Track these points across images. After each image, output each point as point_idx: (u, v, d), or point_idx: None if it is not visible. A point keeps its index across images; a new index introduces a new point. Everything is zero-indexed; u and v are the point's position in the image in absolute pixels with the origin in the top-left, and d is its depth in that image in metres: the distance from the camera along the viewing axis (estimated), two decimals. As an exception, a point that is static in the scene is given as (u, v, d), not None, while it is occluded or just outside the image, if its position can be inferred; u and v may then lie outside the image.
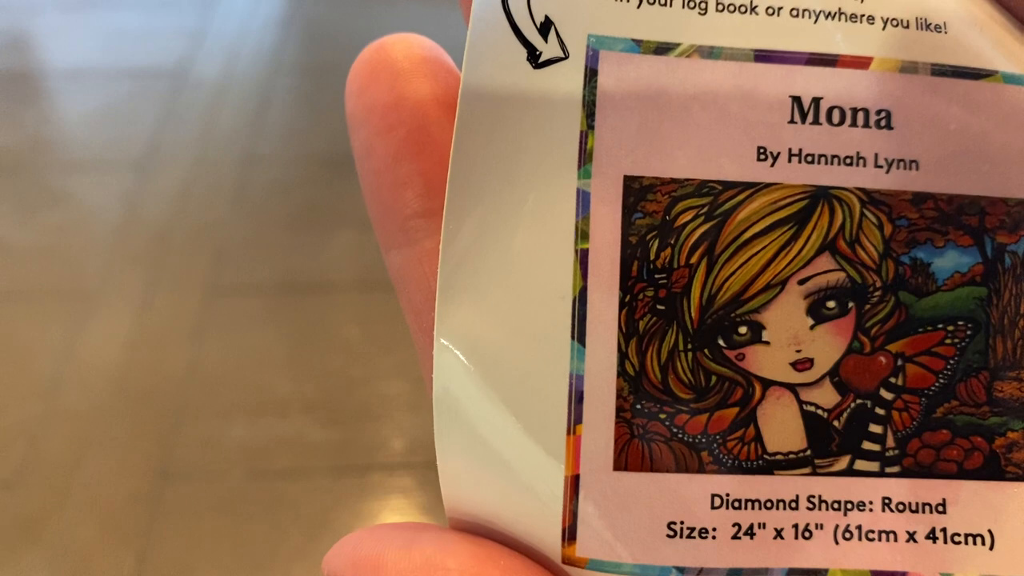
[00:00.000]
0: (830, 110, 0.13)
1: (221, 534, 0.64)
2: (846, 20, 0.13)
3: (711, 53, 0.13)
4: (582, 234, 0.13)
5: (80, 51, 1.07)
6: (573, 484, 0.13)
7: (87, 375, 0.74)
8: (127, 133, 0.97)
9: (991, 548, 0.13)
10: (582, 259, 0.13)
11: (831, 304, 0.13)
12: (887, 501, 0.13)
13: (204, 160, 0.93)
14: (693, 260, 0.13)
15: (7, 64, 1.05)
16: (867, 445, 0.13)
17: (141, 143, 0.96)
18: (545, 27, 0.13)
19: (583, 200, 0.13)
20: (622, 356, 0.13)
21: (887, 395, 0.13)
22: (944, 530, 0.13)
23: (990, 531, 0.13)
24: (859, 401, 0.13)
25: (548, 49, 0.13)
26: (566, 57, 0.13)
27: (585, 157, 0.13)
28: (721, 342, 0.13)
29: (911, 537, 0.13)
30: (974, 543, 0.13)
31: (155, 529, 0.66)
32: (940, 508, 0.13)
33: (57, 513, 0.66)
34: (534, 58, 0.13)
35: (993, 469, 0.13)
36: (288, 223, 0.85)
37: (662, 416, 0.13)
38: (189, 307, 0.80)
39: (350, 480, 0.64)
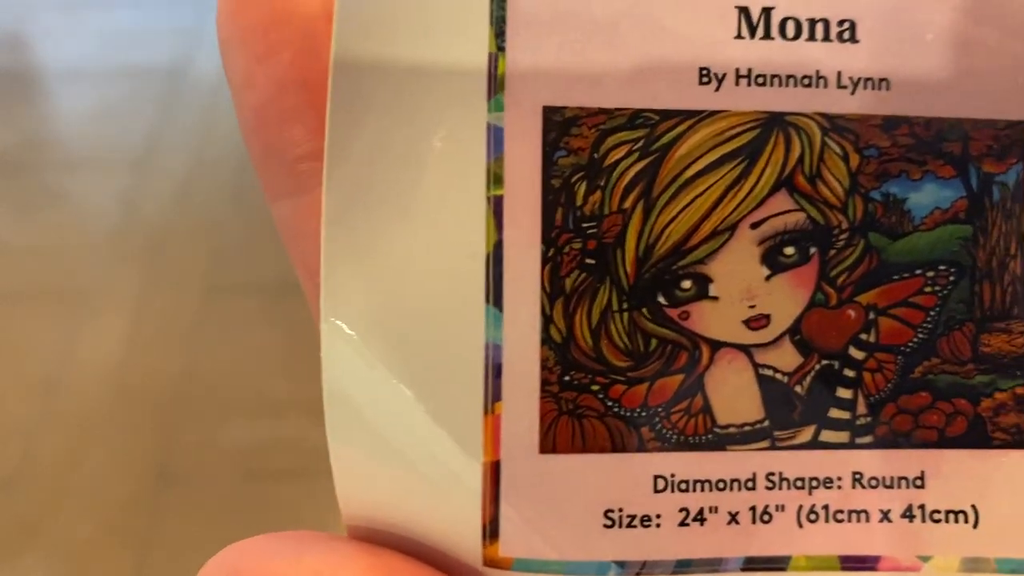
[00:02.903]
0: (783, 22, 0.11)
1: (219, 535, 0.63)
2: None
3: None
4: (495, 178, 0.11)
5: (77, 50, 1.07)
6: (493, 472, 0.11)
7: (84, 375, 0.74)
8: (124, 132, 0.97)
9: (975, 526, 0.11)
10: (496, 208, 0.11)
11: (789, 250, 0.11)
12: (858, 476, 0.11)
13: (202, 159, 0.92)
14: (627, 205, 0.11)
15: (4, 63, 1.04)
16: (834, 413, 0.12)
17: (139, 142, 0.95)
18: None
19: (495, 137, 0.11)
20: (546, 320, 0.11)
21: (857, 354, 0.12)
22: (922, 507, 0.11)
23: (974, 507, 0.11)
24: (825, 362, 0.12)
25: None
26: None
27: (496, 85, 0.11)
28: (661, 299, 0.11)
29: (885, 516, 0.11)
30: (956, 520, 0.11)
31: (153, 530, 0.66)
32: (918, 482, 0.11)
33: (55, 514, 0.66)
34: None
35: (978, 435, 0.12)
36: (288, 222, 0.84)
37: (595, 388, 0.11)
38: (187, 307, 0.79)
39: (349, 480, 0.62)
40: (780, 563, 0.11)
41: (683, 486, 0.11)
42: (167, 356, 0.75)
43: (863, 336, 0.12)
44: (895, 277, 0.12)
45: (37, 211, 0.89)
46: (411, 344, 0.11)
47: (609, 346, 0.11)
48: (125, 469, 0.68)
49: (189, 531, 0.65)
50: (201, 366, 0.74)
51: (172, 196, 0.88)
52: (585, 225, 0.11)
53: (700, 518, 0.11)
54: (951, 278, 0.12)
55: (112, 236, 0.86)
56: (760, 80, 0.11)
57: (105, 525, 0.65)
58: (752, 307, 0.11)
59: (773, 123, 0.11)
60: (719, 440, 0.11)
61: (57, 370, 0.74)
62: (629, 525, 0.11)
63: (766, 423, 0.11)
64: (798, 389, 0.12)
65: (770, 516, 0.11)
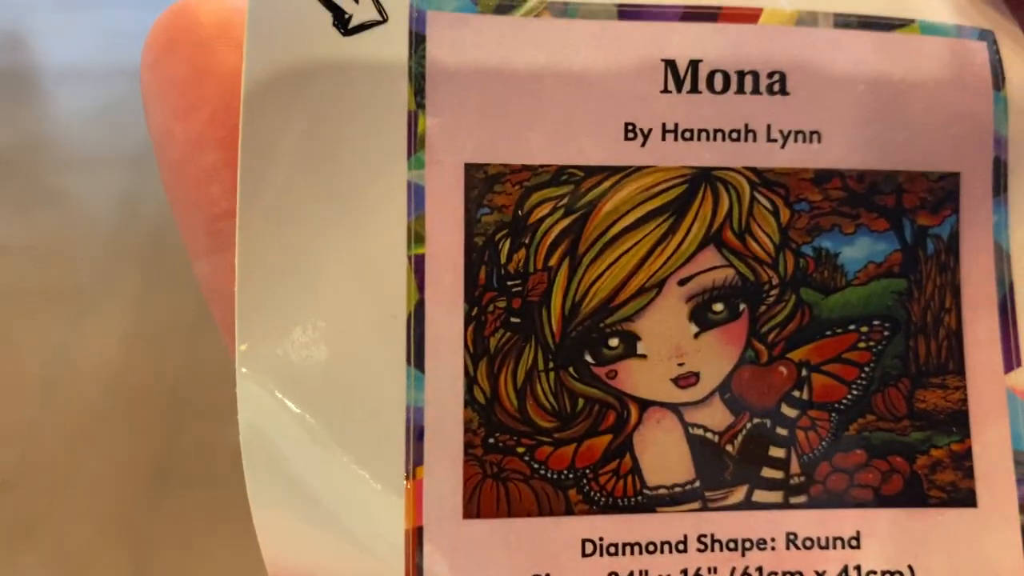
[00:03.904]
0: (711, 75, 0.11)
1: (219, 536, 0.64)
2: None
3: (565, 11, 0.11)
4: (416, 237, 0.11)
5: (77, 49, 1.07)
6: (416, 538, 0.11)
7: (84, 375, 0.74)
8: (124, 131, 0.96)
9: None
10: (417, 267, 0.11)
11: (718, 307, 0.11)
12: (792, 537, 0.11)
13: (202, 157, 0.92)
14: (552, 262, 0.11)
15: (3, 62, 1.04)
16: (767, 472, 0.11)
17: (138, 141, 0.95)
18: None
19: (415, 195, 0.11)
20: (470, 381, 0.11)
21: (790, 412, 0.11)
22: (859, 568, 0.11)
23: (911, 567, 0.11)
24: (756, 420, 0.11)
25: (360, 10, 0.11)
26: (384, 20, 0.11)
27: (416, 143, 0.11)
28: (588, 358, 0.11)
29: None
30: None
31: (153, 531, 0.66)
32: (854, 542, 0.11)
33: (54, 515, 0.66)
34: (342, 23, 0.11)
35: (915, 494, 0.11)
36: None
37: (520, 450, 0.11)
38: (186, 306, 0.79)
39: (349, 479, 0.62)
40: None
41: (612, 550, 0.11)
42: (167, 355, 0.75)
43: (796, 393, 0.11)
44: (828, 333, 0.11)
45: (36, 211, 0.89)
46: (330, 407, 0.11)
47: (535, 407, 0.11)
48: (125, 469, 0.68)
49: (189, 531, 0.65)
50: (201, 366, 0.74)
51: (171, 195, 0.88)
52: (510, 283, 0.11)
53: None
54: (886, 333, 0.11)
55: (111, 235, 0.86)
56: (687, 135, 0.11)
57: (104, 525, 0.65)
58: (681, 365, 0.11)
59: (701, 178, 0.11)
60: (649, 502, 0.11)
61: (56, 370, 0.74)
62: None
63: (697, 484, 0.11)
64: (729, 448, 0.11)
65: None
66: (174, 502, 0.66)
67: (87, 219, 0.87)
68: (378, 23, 0.11)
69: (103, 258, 0.83)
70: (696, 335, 0.11)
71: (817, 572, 0.11)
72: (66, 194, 0.90)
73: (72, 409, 0.71)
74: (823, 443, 0.11)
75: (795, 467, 0.11)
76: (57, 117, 1.00)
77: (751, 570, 0.11)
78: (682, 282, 0.11)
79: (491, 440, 0.11)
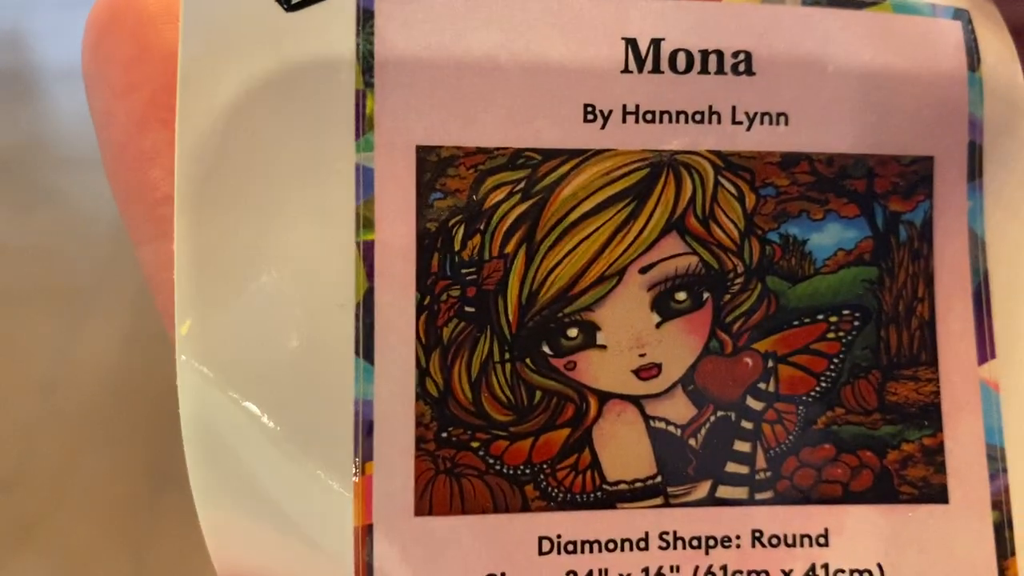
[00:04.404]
0: (674, 54, 0.11)
1: (218, 536, 0.63)
2: None
3: None
4: (365, 222, 0.11)
5: (76, 49, 1.06)
6: (365, 536, 0.10)
7: (83, 376, 0.74)
8: (124, 130, 0.96)
9: None
10: (366, 254, 0.11)
11: (681, 296, 0.11)
12: (758, 534, 0.11)
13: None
14: (508, 249, 0.11)
15: (3, 62, 1.04)
16: (732, 467, 0.11)
17: (138, 140, 0.95)
18: None
19: (364, 178, 0.11)
20: (422, 373, 0.11)
21: (755, 405, 0.11)
22: (826, 566, 0.11)
23: (879, 565, 0.11)
24: (720, 413, 0.11)
25: None
26: None
27: (364, 124, 0.11)
28: (546, 349, 0.11)
29: None
30: None
31: (152, 530, 0.66)
32: (822, 540, 0.11)
33: (54, 515, 0.66)
34: None
35: (885, 490, 0.11)
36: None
37: (474, 445, 0.11)
38: (186, 305, 0.79)
39: (349, 480, 0.62)
40: None
41: (570, 547, 0.11)
42: (166, 355, 0.75)
43: (761, 385, 0.11)
44: (795, 323, 0.11)
45: (36, 211, 0.89)
46: (275, 399, 0.10)
47: (490, 399, 0.11)
48: (124, 469, 0.68)
49: (188, 531, 0.65)
50: (200, 365, 0.74)
51: (171, 194, 0.88)
52: (464, 271, 0.11)
53: None
54: (856, 323, 0.11)
55: (110, 235, 0.86)
56: (649, 116, 0.11)
57: (104, 525, 0.65)
58: (642, 356, 0.11)
59: (663, 162, 0.11)
60: (608, 498, 0.11)
61: (55, 371, 0.74)
62: None
63: (659, 479, 0.11)
64: (692, 442, 0.11)
65: None
66: (173, 501, 0.66)
67: (87, 219, 0.87)
68: None
69: (103, 258, 0.82)
70: (658, 325, 0.11)
71: (784, 571, 0.11)
72: (66, 194, 0.90)
73: (72, 409, 0.71)
74: (790, 437, 0.11)
75: (761, 462, 0.11)
76: (57, 117, 1.00)
77: (715, 569, 0.11)
78: (643, 270, 0.11)
79: (444, 434, 0.11)
